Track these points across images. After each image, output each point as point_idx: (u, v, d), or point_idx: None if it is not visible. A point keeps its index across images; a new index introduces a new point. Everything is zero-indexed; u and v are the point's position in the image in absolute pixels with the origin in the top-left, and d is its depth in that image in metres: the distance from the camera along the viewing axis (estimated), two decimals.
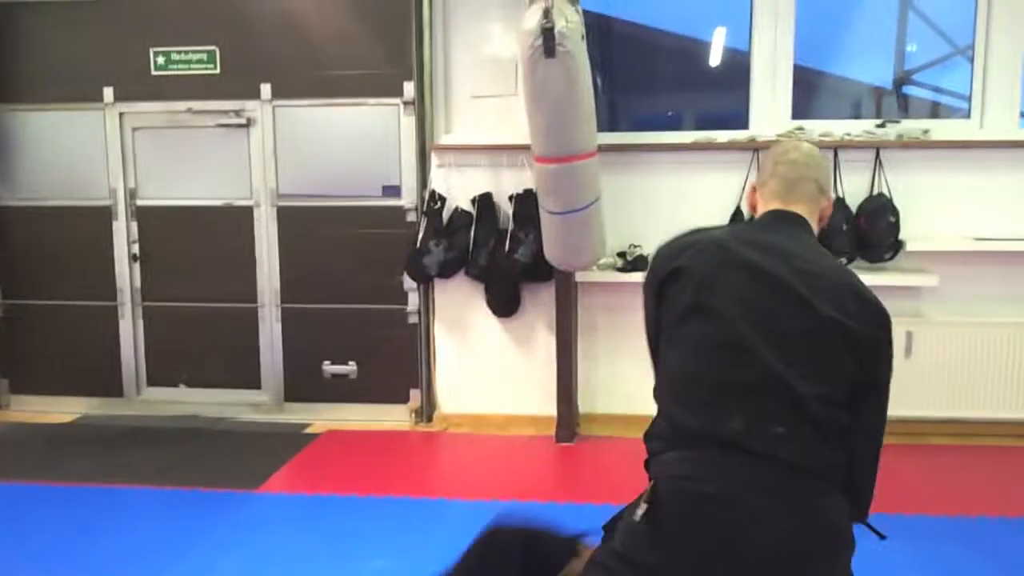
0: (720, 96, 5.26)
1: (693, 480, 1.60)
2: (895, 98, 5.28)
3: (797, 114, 4.86)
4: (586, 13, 4.54)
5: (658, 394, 1.79)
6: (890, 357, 1.74)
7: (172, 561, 3.33)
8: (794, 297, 1.67)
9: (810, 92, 5.36)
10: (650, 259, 1.94)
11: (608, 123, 5.27)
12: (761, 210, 1.94)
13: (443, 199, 4.86)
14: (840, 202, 4.59)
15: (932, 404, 4.65)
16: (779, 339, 1.64)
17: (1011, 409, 4.62)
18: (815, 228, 1.93)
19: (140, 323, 5.33)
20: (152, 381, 5.36)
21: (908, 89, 5.29)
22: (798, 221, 1.89)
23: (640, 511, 1.61)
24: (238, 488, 4.07)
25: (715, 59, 5.06)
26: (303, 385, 5.20)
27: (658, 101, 5.60)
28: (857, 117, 4.98)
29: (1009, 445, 4.58)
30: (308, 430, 4.98)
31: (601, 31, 5.28)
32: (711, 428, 1.62)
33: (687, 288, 1.74)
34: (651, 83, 5.58)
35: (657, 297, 1.82)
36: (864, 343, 1.68)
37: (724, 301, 1.69)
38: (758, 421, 1.60)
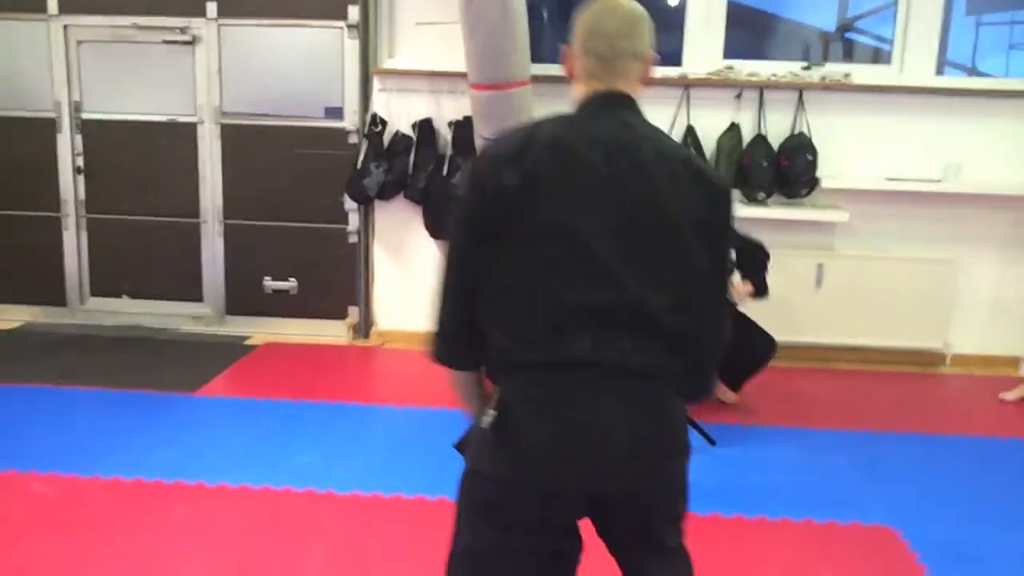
0: (661, 34, 5.42)
1: (539, 387, 1.57)
2: (839, 43, 5.49)
3: (739, 53, 5.03)
4: None
5: (492, 320, 1.62)
6: (733, 233, 1.71)
7: (110, 454, 3.53)
8: (644, 204, 1.56)
9: (756, 32, 5.56)
10: (476, 163, 1.70)
11: (554, 55, 5.41)
12: (581, 88, 1.72)
13: (384, 123, 5.00)
14: (762, 140, 4.83)
15: (839, 332, 4.97)
16: (633, 254, 1.55)
17: (911, 338, 4.97)
18: (636, 92, 1.72)
19: (84, 235, 5.43)
20: (95, 291, 5.48)
21: (850, 35, 5.51)
22: (626, 104, 1.68)
23: (488, 419, 1.58)
24: (176, 391, 4.26)
25: None
26: (244, 299, 5.36)
27: None
28: (805, 59, 5.14)
29: (907, 372, 4.93)
30: (248, 342, 5.17)
31: None
32: (558, 355, 1.55)
33: (532, 198, 1.55)
34: None
35: (493, 210, 1.58)
36: (714, 228, 1.62)
37: (571, 215, 1.54)
38: (606, 340, 1.55)
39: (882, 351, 5.00)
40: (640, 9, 1.74)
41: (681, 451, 1.67)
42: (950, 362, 5.05)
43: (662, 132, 1.69)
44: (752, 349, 4.08)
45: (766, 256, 4.11)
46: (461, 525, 1.71)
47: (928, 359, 5.03)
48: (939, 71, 5.14)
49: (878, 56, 5.27)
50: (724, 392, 4.18)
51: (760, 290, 4.08)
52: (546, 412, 1.55)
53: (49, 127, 5.31)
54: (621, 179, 1.56)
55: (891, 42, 5.02)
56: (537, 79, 4.51)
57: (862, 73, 4.92)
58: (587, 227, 1.54)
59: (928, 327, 4.93)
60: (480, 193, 1.60)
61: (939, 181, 4.84)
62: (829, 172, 4.86)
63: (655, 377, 1.59)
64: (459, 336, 1.70)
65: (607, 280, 1.54)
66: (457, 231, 1.64)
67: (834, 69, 4.92)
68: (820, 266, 4.89)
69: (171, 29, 5.10)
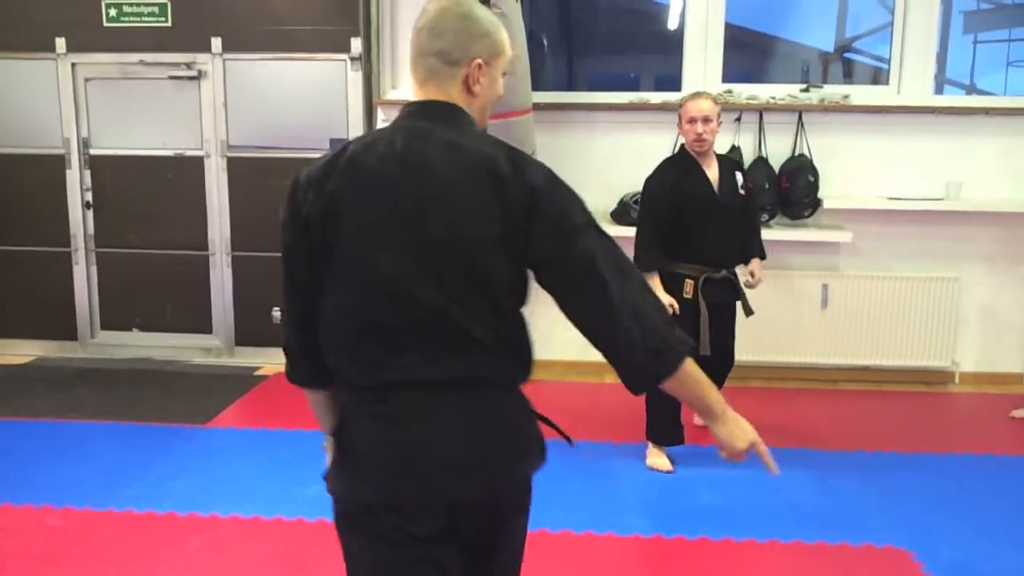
0: (661, 58, 5.49)
1: (369, 405, 1.57)
2: (839, 63, 5.55)
3: (740, 75, 5.09)
4: None
5: (323, 343, 1.62)
6: (570, 219, 1.57)
7: (123, 487, 3.56)
8: (435, 218, 1.51)
9: (754, 55, 5.63)
10: (290, 189, 1.61)
11: (554, 82, 5.49)
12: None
13: None
14: (763, 162, 4.87)
15: (846, 352, 4.98)
16: (430, 268, 1.51)
17: (918, 357, 4.97)
18: (464, 100, 1.62)
19: (94, 269, 5.48)
20: (105, 325, 5.53)
21: (848, 55, 5.57)
22: (438, 113, 1.60)
23: (324, 443, 1.65)
24: (188, 423, 4.29)
25: (673, 23, 5.21)
26: (253, 330, 5.40)
27: (602, 61, 5.84)
28: (804, 81, 5.20)
29: (915, 391, 4.93)
30: (258, 373, 5.19)
31: None
32: (380, 375, 1.55)
33: (334, 221, 1.53)
34: (598, 44, 5.81)
35: (300, 237, 1.57)
36: (527, 228, 1.54)
37: (366, 235, 1.52)
38: (427, 352, 1.53)
39: (890, 371, 5.01)
40: (458, 8, 1.61)
41: (526, 452, 1.65)
42: (959, 380, 5.05)
43: (475, 140, 1.58)
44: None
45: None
46: (344, 551, 1.68)
47: (936, 377, 5.03)
48: (938, 90, 5.20)
49: (878, 75, 5.32)
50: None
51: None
52: (378, 430, 1.55)
53: (58, 163, 5.38)
54: (411, 194, 1.52)
55: (889, 62, 5.07)
56: (538, 107, 4.57)
57: (861, 94, 4.97)
58: (383, 247, 1.52)
59: (935, 346, 4.94)
60: (289, 219, 1.58)
61: (941, 199, 4.86)
62: (831, 193, 4.89)
63: (483, 385, 1.57)
64: (302, 359, 1.69)
65: (407, 297, 1.51)
66: (283, 259, 1.63)
67: (833, 91, 4.96)
68: (825, 286, 4.92)
69: (177, 65, 5.18)
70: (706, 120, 3.64)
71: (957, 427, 4.46)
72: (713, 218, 3.76)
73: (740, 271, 3.98)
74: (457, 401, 1.56)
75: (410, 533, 1.56)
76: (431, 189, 1.52)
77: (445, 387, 1.55)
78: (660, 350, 1.54)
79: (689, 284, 3.76)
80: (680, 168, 3.79)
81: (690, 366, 1.56)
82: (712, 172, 3.78)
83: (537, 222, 1.54)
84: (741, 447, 1.61)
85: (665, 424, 3.85)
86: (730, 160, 4.07)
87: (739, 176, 3.89)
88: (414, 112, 1.61)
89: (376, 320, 1.53)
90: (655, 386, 1.58)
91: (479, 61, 1.60)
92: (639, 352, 1.54)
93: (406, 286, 1.51)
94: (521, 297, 1.62)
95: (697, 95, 3.73)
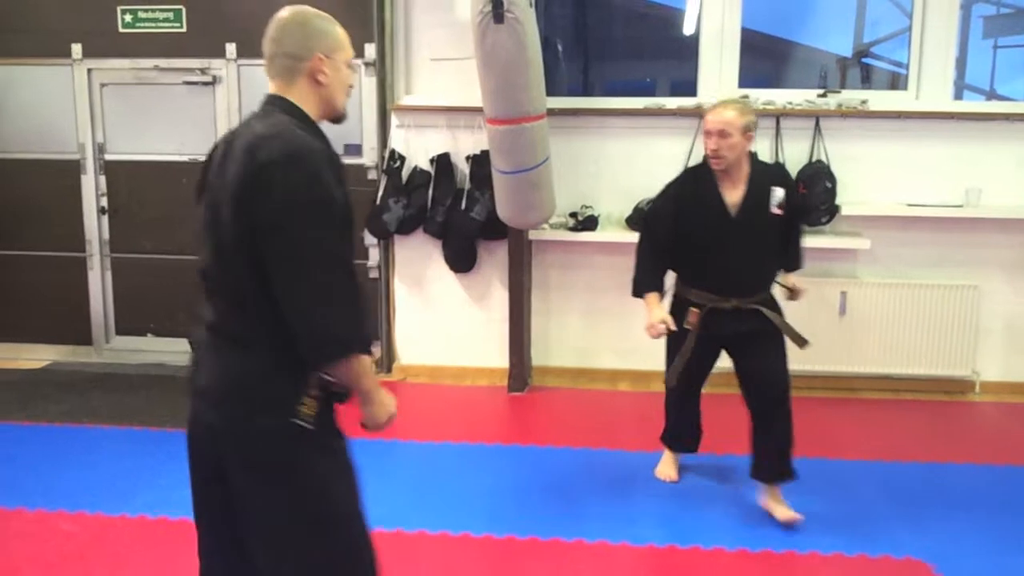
0: (677, 63, 5.46)
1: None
2: (856, 68, 5.50)
3: (756, 80, 5.05)
4: None
5: None
6: (288, 200, 1.76)
7: (136, 493, 3.56)
8: (216, 188, 1.85)
9: (771, 60, 5.59)
10: None
11: (569, 88, 5.48)
12: None
13: (403, 158, 5.04)
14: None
15: (865, 361, 4.93)
16: (209, 232, 1.86)
17: (938, 366, 4.91)
18: (311, 90, 1.94)
19: (108, 274, 5.50)
20: (120, 330, 5.54)
21: (867, 60, 5.52)
22: (272, 103, 1.94)
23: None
24: None
25: (689, 28, 5.18)
26: None
27: (618, 67, 5.82)
28: (821, 86, 5.14)
29: (935, 400, 4.87)
30: None
31: None
32: (202, 321, 1.93)
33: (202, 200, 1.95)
34: (613, 50, 5.79)
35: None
36: (251, 198, 1.77)
37: (200, 203, 1.93)
38: (213, 307, 1.89)
39: (909, 379, 4.95)
40: (296, 14, 1.96)
41: (243, 397, 1.85)
42: (979, 389, 4.98)
43: (265, 125, 1.85)
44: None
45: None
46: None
47: (956, 387, 4.97)
48: (957, 95, 5.14)
49: (896, 80, 5.26)
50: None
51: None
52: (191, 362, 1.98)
53: (74, 168, 5.40)
54: (218, 173, 1.86)
55: (908, 67, 5.02)
56: (552, 112, 4.55)
57: (879, 99, 4.92)
58: (199, 217, 1.92)
59: (955, 354, 4.88)
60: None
61: (960, 206, 4.81)
62: (849, 199, 4.84)
63: (218, 334, 1.89)
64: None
65: (202, 262, 1.90)
66: None
67: (850, 96, 4.92)
68: (843, 294, 4.87)
69: (191, 70, 5.19)
70: (722, 135, 3.21)
71: (978, 437, 4.40)
72: (722, 242, 3.33)
73: (780, 294, 3.57)
74: (216, 345, 1.89)
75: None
76: (224, 171, 1.83)
77: (214, 334, 1.89)
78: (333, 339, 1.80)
79: (693, 313, 3.39)
80: (694, 182, 3.42)
81: (361, 364, 1.85)
82: (734, 190, 3.31)
83: (258, 194, 1.76)
84: (382, 419, 1.97)
85: (677, 429, 3.81)
86: (772, 173, 3.47)
87: (777, 193, 3.33)
88: (262, 103, 1.97)
89: (199, 279, 1.92)
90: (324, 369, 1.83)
91: (319, 55, 1.92)
92: (307, 340, 1.79)
93: (201, 253, 1.90)
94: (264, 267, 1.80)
95: (718, 105, 3.31)
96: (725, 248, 3.33)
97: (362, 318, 1.89)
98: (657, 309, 3.39)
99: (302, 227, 1.75)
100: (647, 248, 3.49)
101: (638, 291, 3.46)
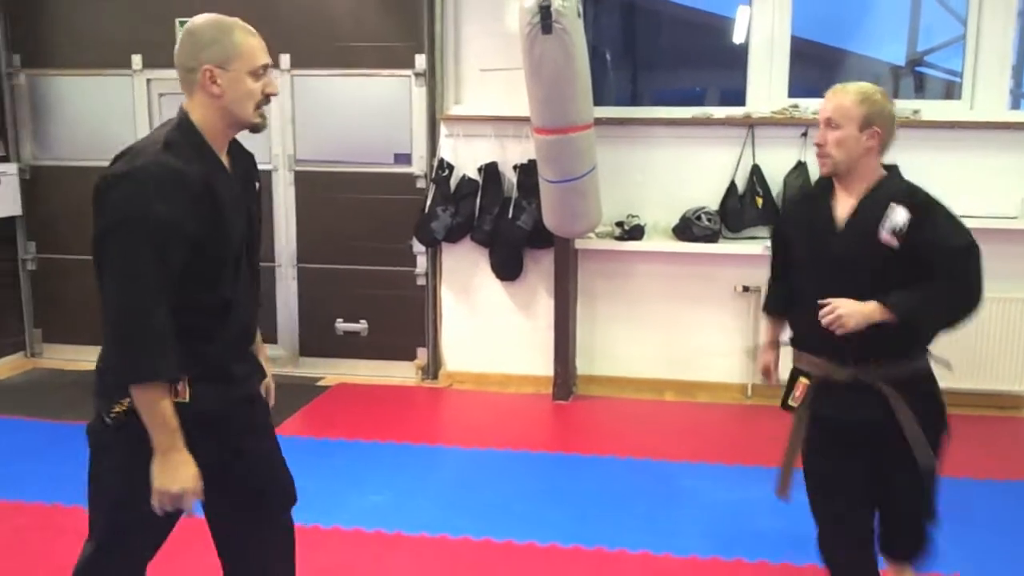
0: (726, 72, 5.44)
1: None
2: (910, 77, 5.44)
3: (806, 90, 5.01)
4: None
5: None
6: (105, 216, 1.84)
7: None
8: None
9: (822, 69, 5.54)
10: None
11: (617, 98, 5.49)
12: None
13: (451, 167, 5.10)
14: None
15: None
16: None
17: (990, 381, 4.81)
18: (207, 102, 1.91)
19: None
20: None
21: (920, 69, 5.45)
22: (177, 115, 1.96)
23: None
24: None
25: (739, 37, 5.15)
26: (317, 341, 5.49)
27: (666, 76, 5.81)
28: None
29: (986, 415, 4.77)
30: (321, 383, 5.27)
31: (609, 6, 5.50)
32: None
33: None
34: (662, 59, 5.80)
35: None
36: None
37: None
38: None
39: (960, 394, 4.81)
40: (191, 24, 1.92)
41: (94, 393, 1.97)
42: None
43: (141, 142, 1.91)
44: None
45: None
46: None
47: (1009, 402, 4.87)
48: (1014, 104, 5.04)
49: (950, 89, 5.18)
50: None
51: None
52: None
53: None
54: None
55: (962, 75, 4.95)
56: (600, 121, 4.56)
57: (931, 109, 4.85)
58: None
59: (1008, 369, 4.78)
60: None
61: (1015, 218, 4.72)
62: None
63: None
64: None
65: None
66: None
67: (903, 106, 4.85)
68: None
69: None
70: (829, 124, 2.32)
71: None
72: (822, 271, 2.39)
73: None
74: None
75: None
76: None
77: None
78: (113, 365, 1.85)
79: (800, 386, 2.48)
80: (816, 192, 2.51)
81: (144, 396, 1.81)
82: (846, 203, 2.36)
83: (93, 208, 1.83)
84: (172, 489, 1.84)
85: None
86: (903, 191, 2.34)
87: (898, 215, 2.26)
88: None
89: None
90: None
91: (208, 67, 1.87)
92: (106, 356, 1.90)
93: None
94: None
95: (837, 87, 2.38)
96: (824, 280, 2.36)
97: (154, 349, 1.79)
98: (767, 346, 2.72)
99: (112, 244, 1.79)
100: (772, 263, 2.72)
101: (764, 308, 2.82)
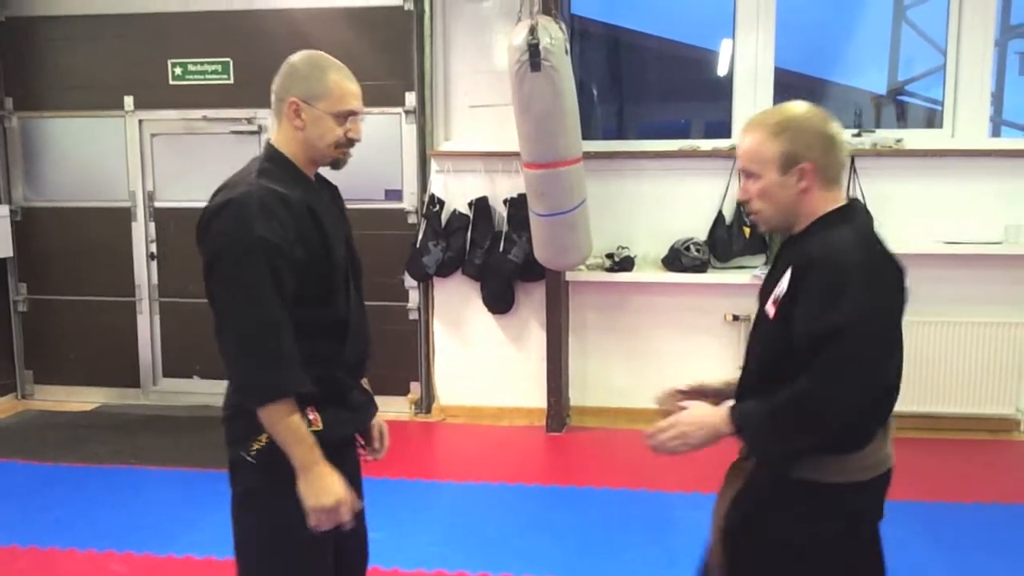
0: (711, 105, 5.53)
1: None
2: (891, 106, 5.52)
3: None
4: (581, 20, 4.83)
5: None
6: (213, 246, 1.87)
7: (183, 533, 3.63)
8: None
9: (805, 99, 5.61)
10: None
11: (604, 131, 5.56)
12: None
13: (442, 202, 5.15)
14: None
15: (905, 399, 4.76)
16: None
17: (981, 405, 4.85)
18: (290, 132, 1.95)
19: (156, 318, 5.65)
20: (167, 372, 5.68)
21: (901, 98, 5.54)
22: (266, 147, 2.02)
23: None
24: None
25: (723, 69, 5.25)
26: None
27: (652, 109, 5.90)
28: (857, 125, 5.15)
29: (978, 439, 4.81)
30: None
31: (596, 42, 5.58)
32: None
33: None
34: (647, 92, 5.88)
35: None
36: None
37: None
38: None
39: (951, 418, 4.89)
40: (293, 56, 1.99)
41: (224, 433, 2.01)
42: None
43: (239, 174, 1.95)
44: None
45: None
46: None
47: (1000, 425, 4.90)
48: (994, 132, 5.13)
49: (932, 117, 5.27)
50: None
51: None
52: None
53: (124, 216, 5.58)
54: None
55: (943, 104, 5.03)
56: (588, 155, 4.63)
57: (914, 138, 4.93)
58: None
59: (998, 393, 4.82)
60: None
61: (1000, 243, 4.78)
62: (886, 237, 4.81)
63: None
64: None
65: None
66: None
67: (885, 135, 4.94)
68: None
69: (238, 120, 5.36)
70: (748, 176, 1.88)
71: (1023, 476, 4.33)
72: (753, 343, 1.97)
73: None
74: None
75: None
76: None
77: None
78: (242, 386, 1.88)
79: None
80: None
81: (276, 416, 1.80)
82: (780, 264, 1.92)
83: (199, 243, 1.90)
84: (326, 503, 1.82)
85: None
86: (810, 244, 1.82)
87: (785, 278, 1.82)
88: None
89: None
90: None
91: (294, 98, 1.91)
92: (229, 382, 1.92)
93: None
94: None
95: (746, 125, 1.91)
96: (746, 356, 2.00)
97: (280, 364, 1.81)
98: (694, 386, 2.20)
99: (223, 270, 1.83)
100: None
101: None
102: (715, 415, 1.83)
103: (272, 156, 1.95)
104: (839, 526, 1.85)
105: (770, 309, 1.83)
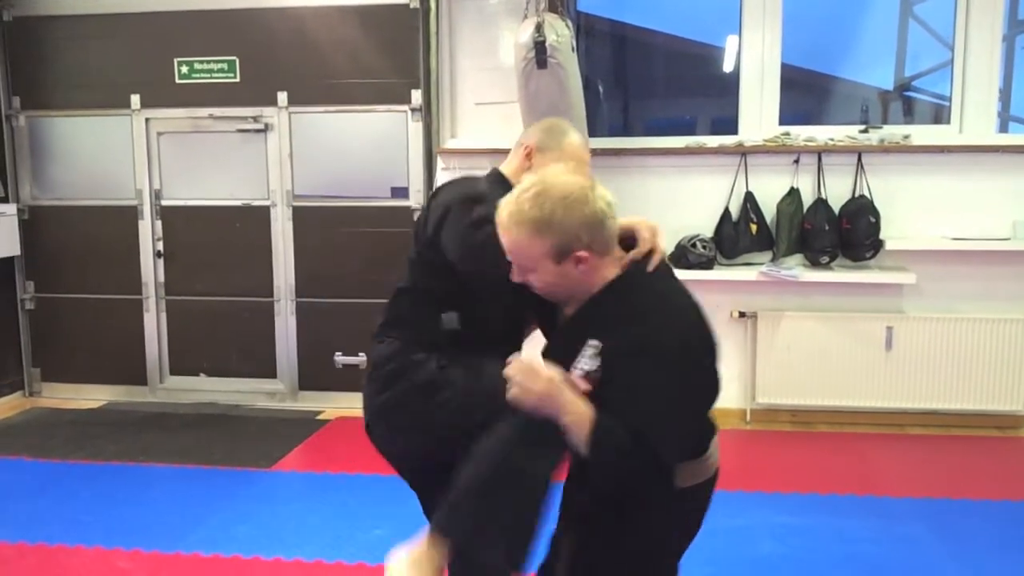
0: (717, 101, 5.52)
1: None
2: (899, 102, 5.51)
3: (797, 116, 5.08)
4: (587, 17, 4.82)
5: None
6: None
7: (190, 530, 3.64)
8: None
9: (812, 96, 5.62)
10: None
11: (610, 128, 5.55)
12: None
13: None
14: (823, 203, 4.84)
15: (912, 396, 4.87)
16: None
17: (987, 401, 4.84)
18: (522, 166, 2.33)
19: (163, 316, 5.66)
20: (174, 370, 5.69)
21: (908, 93, 5.52)
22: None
23: None
24: (252, 467, 4.37)
25: (729, 66, 5.24)
26: (316, 375, 5.50)
27: (658, 106, 5.89)
28: (864, 121, 5.14)
29: (985, 435, 4.79)
30: (320, 416, 5.28)
31: (602, 39, 5.57)
32: None
33: None
34: (653, 89, 5.87)
35: None
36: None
37: None
38: None
39: (957, 414, 4.88)
40: (552, 119, 2.46)
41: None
42: None
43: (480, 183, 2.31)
44: None
45: None
46: None
47: (1007, 422, 4.88)
48: (1002, 127, 5.11)
49: (939, 113, 5.25)
50: None
51: None
52: None
53: (131, 214, 5.59)
54: None
55: (950, 100, 5.01)
56: (594, 152, 4.60)
57: (921, 134, 4.91)
58: None
59: (1005, 389, 4.81)
60: None
61: (1007, 239, 4.77)
62: (893, 234, 4.83)
63: None
64: None
65: None
66: None
67: (893, 131, 4.92)
68: (889, 329, 4.83)
69: (244, 118, 5.37)
70: (523, 270, 1.84)
71: None
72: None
73: None
74: None
75: None
76: None
77: None
78: None
79: None
80: None
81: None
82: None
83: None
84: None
85: None
86: (614, 310, 1.83)
87: (587, 351, 1.76)
88: None
89: None
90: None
91: (527, 144, 2.34)
92: None
93: None
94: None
95: (502, 219, 1.84)
96: None
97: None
98: None
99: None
100: None
101: None
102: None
103: (495, 178, 2.40)
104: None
105: (582, 382, 1.75)
